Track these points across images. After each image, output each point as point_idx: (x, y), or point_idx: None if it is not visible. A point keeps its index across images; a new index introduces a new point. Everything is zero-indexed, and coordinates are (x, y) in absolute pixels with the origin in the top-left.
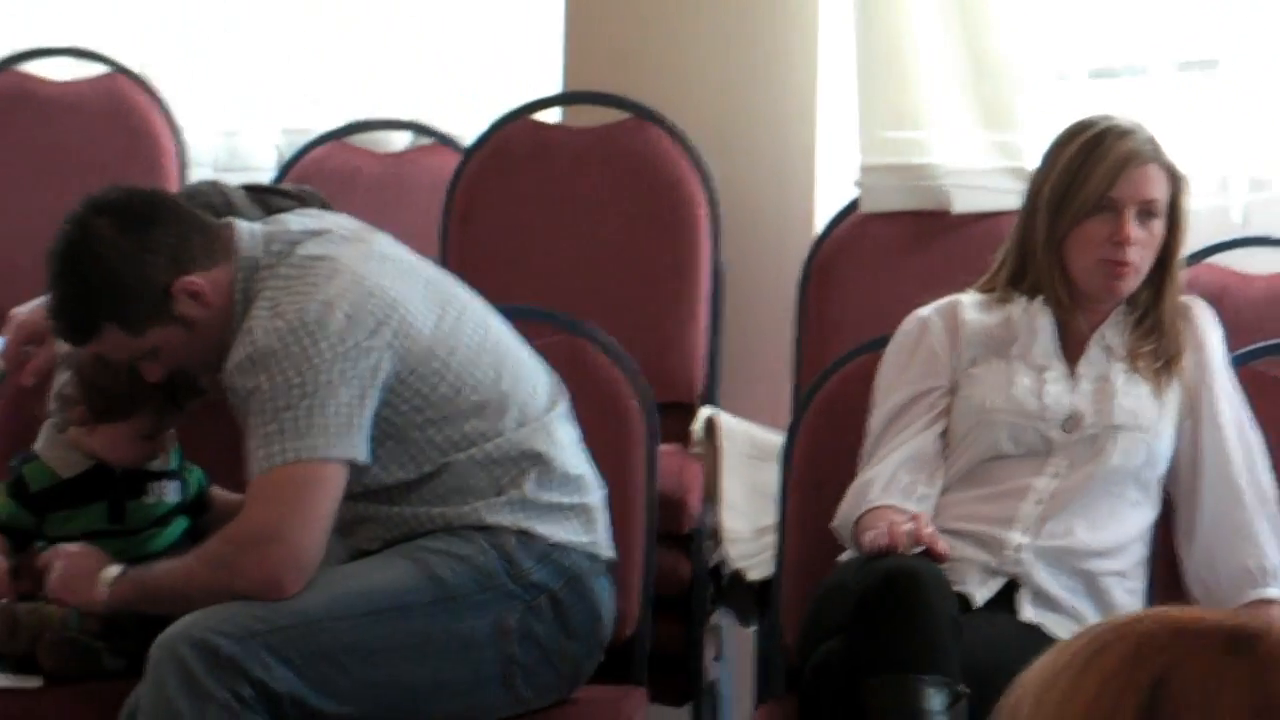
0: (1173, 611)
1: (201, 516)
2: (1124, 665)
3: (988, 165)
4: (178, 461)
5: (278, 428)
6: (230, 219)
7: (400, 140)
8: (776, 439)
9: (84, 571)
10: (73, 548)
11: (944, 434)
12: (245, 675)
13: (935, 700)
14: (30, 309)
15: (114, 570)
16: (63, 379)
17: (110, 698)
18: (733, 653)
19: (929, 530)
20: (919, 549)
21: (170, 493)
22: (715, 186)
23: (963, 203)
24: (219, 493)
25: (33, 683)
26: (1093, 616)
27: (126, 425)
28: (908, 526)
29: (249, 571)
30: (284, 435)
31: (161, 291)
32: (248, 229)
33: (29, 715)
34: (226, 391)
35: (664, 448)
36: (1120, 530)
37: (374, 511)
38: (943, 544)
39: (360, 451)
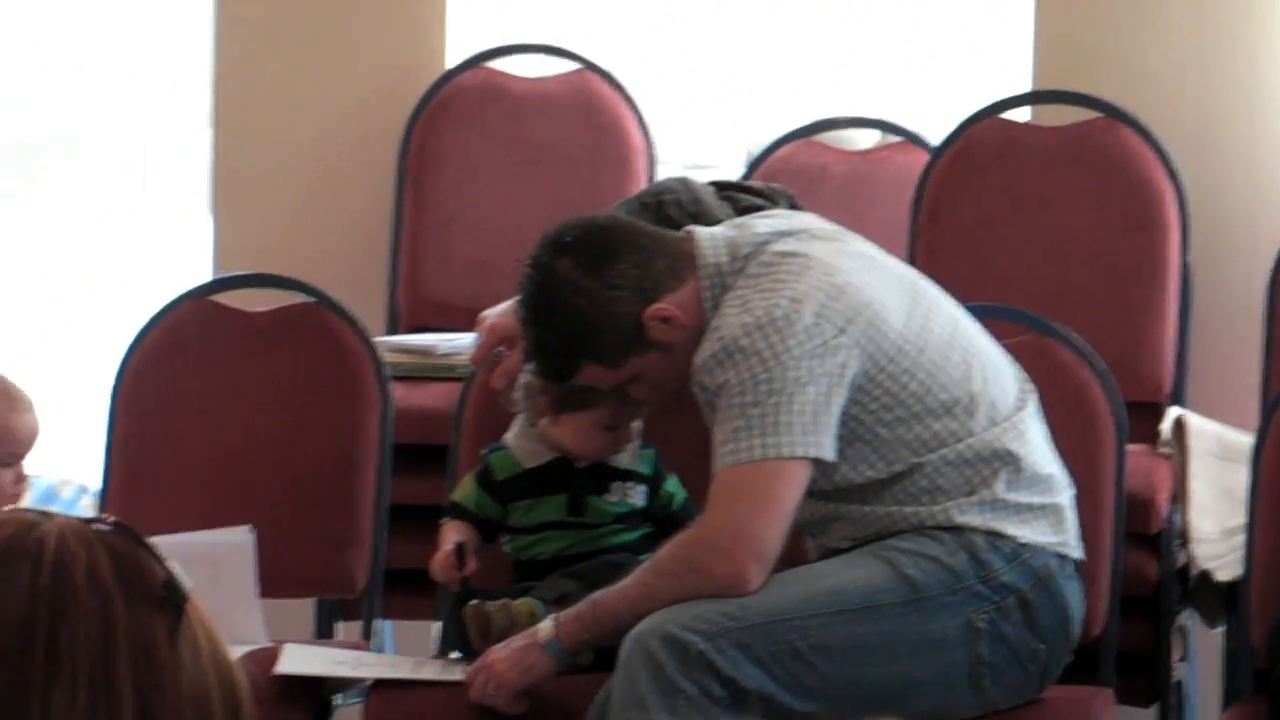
0: None
1: (669, 535)
2: None
3: None
4: (650, 468)
5: (745, 424)
6: (690, 228)
7: (867, 138)
8: (1246, 440)
9: (515, 659)
10: (480, 662)
11: None
12: (715, 672)
13: None
14: (501, 311)
15: (546, 627)
16: (529, 369)
17: (582, 691)
18: (1199, 654)
19: None
20: None
21: (636, 496)
22: (1185, 186)
23: None
24: None
25: None
26: None
27: (587, 415)
28: None
29: (716, 570)
30: (751, 431)
31: (633, 324)
32: (709, 236)
33: None
34: (694, 389)
35: (1132, 447)
36: None
37: (845, 511)
38: None
39: (826, 450)
